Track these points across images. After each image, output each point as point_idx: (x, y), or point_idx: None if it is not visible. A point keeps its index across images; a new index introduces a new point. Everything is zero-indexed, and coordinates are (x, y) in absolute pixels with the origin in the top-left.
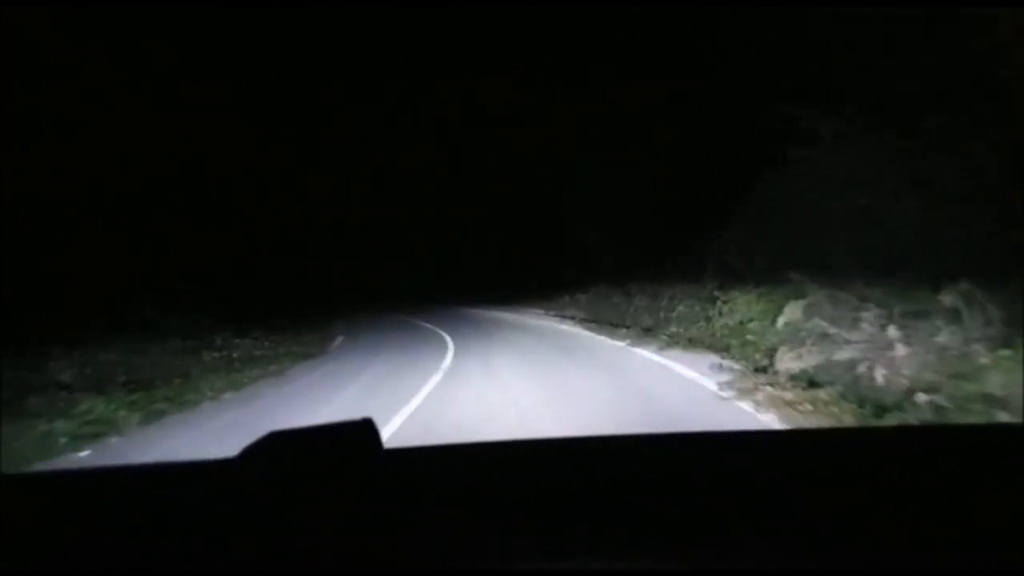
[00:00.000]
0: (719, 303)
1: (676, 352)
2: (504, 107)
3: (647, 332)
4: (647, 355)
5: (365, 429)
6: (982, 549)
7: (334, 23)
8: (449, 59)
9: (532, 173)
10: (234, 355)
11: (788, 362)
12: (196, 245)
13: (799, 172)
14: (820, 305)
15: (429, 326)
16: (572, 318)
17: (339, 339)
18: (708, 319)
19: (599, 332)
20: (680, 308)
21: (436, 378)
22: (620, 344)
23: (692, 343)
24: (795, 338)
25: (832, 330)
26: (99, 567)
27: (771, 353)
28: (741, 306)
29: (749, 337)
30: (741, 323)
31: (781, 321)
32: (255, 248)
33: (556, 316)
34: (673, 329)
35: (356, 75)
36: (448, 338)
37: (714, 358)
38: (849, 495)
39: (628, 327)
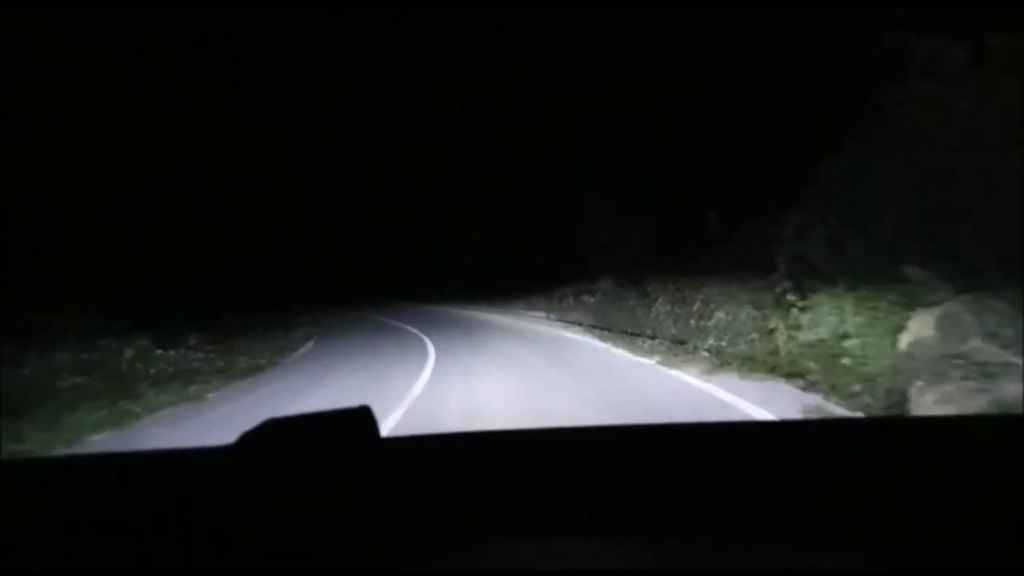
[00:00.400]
0: (794, 310)
1: (730, 378)
2: (508, 92)
3: (679, 345)
4: (693, 383)
5: (363, 417)
6: (982, 549)
7: (334, 23)
8: (449, 59)
9: (534, 166)
10: (151, 371)
11: (931, 405)
12: (134, 239)
13: (910, 123)
14: (958, 316)
15: (414, 331)
16: (579, 324)
17: (307, 346)
18: (769, 331)
19: (615, 343)
20: (720, 315)
21: (395, 416)
22: (647, 362)
23: (747, 364)
24: (930, 366)
25: (1011, 357)
26: (94, 555)
27: (876, 383)
28: (827, 316)
29: (845, 361)
30: (830, 340)
31: (905, 339)
32: (228, 246)
33: (560, 321)
34: (713, 342)
35: (355, 75)
36: (431, 348)
37: (790, 388)
38: (848, 491)
39: (651, 337)
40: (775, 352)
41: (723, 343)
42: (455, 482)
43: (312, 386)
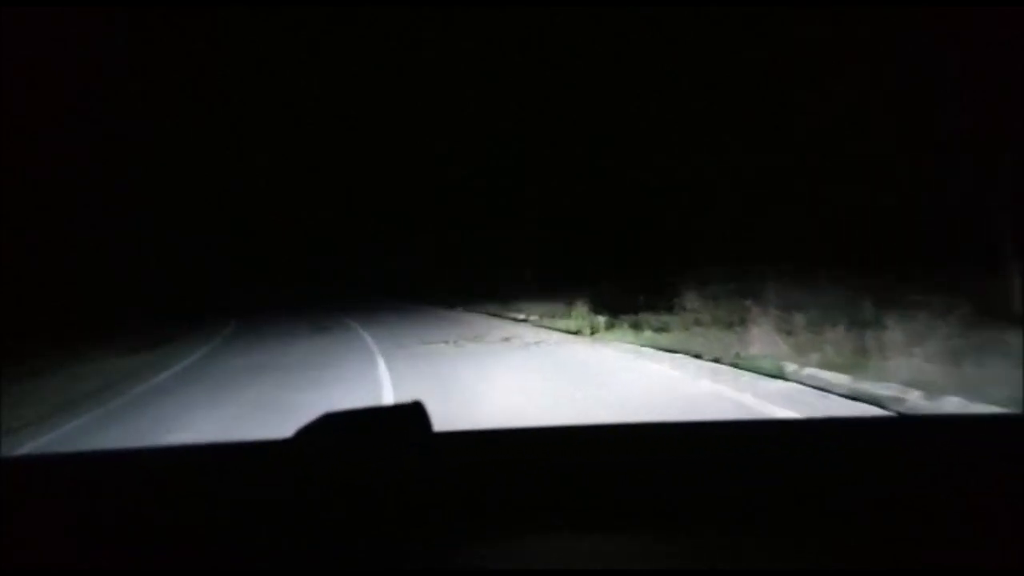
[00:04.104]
0: None
1: None
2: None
3: None
4: None
5: (416, 411)
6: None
7: (331, 25)
8: (447, 61)
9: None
10: None
11: None
12: None
13: None
14: None
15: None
16: None
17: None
18: None
19: None
20: None
21: None
22: None
23: None
24: None
25: None
26: (149, 548)
27: None
28: None
29: None
30: None
31: None
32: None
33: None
34: None
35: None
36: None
37: None
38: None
39: None
40: None
41: None
42: (510, 477)
43: None
